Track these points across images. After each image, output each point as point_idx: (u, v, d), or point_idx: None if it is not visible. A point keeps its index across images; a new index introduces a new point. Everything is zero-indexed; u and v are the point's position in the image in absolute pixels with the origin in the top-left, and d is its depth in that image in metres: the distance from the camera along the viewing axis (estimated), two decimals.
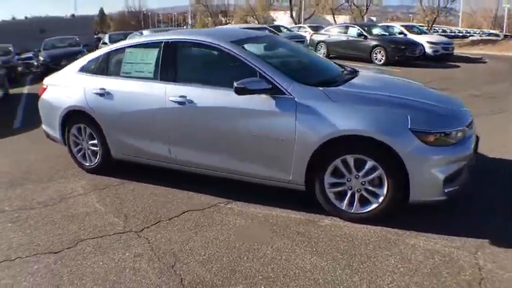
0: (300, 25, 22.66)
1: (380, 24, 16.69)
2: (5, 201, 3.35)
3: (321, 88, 2.74)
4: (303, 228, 2.74)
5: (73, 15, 52.39)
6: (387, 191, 2.59)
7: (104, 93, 3.46)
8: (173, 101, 3.10)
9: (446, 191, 2.57)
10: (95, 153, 3.73)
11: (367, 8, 29.53)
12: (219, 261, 2.41)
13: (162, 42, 3.31)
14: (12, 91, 9.85)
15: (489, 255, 2.37)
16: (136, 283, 2.25)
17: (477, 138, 2.99)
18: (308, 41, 15.10)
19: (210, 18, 56.22)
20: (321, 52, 13.72)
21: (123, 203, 3.24)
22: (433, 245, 2.47)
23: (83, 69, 3.72)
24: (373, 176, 2.61)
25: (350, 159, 2.64)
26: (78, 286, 2.25)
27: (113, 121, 3.48)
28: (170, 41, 3.29)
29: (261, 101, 2.78)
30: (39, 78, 10.44)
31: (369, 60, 11.91)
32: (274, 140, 2.77)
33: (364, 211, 2.71)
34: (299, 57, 3.80)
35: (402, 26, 14.72)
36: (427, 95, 3.10)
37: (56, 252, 2.59)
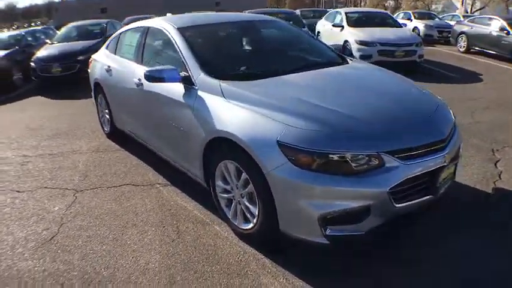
0: (453, 13, 19.02)
1: None
2: (33, 148, 4.39)
3: (218, 81, 2.49)
4: (186, 226, 2.65)
5: None
6: (258, 212, 2.22)
7: (109, 70, 4.01)
8: (135, 82, 3.36)
9: (328, 233, 2.00)
10: (109, 120, 4.40)
11: None
12: (92, 231, 2.64)
13: (143, 26, 3.58)
14: None
15: None
16: (27, 228, 2.73)
17: (436, 172, 2.14)
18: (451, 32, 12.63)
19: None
20: (461, 45, 11.25)
21: (97, 165, 3.78)
22: None
23: (107, 47, 4.37)
24: (247, 190, 2.28)
25: (230, 165, 2.36)
26: (2, 217, 2.89)
27: (112, 94, 4.02)
28: (147, 25, 3.52)
29: (177, 90, 2.74)
30: None
31: (510, 60, 9.08)
32: (181, 130, 2.71)
33: (243, 227, 2.40)
34: (277, 45, 3.46)
35: None
36: (380, 105, 2.31)
37: (19, 192, 3.33)
